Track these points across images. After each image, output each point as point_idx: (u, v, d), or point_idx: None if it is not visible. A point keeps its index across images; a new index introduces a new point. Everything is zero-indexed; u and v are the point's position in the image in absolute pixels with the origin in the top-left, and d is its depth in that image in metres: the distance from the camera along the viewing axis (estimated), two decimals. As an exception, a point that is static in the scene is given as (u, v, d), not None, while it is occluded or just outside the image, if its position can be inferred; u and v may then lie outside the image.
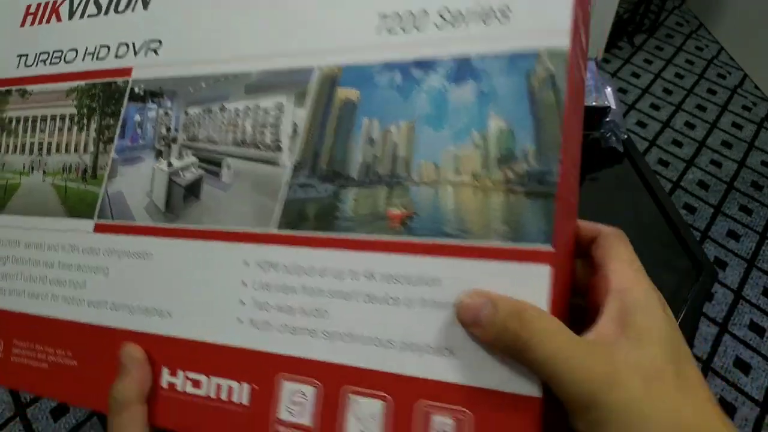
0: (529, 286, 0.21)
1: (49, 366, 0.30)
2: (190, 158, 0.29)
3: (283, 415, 0.24)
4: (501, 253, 0.22)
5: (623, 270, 0.22)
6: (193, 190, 0.28)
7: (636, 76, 1.92)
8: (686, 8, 2.26)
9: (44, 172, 0.33)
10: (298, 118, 0.27)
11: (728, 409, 1.10)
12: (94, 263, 0.30)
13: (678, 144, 1.68)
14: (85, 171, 0.31)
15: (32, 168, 0.33)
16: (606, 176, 0.80)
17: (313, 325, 0.24)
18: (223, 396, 0.25)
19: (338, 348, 0.24)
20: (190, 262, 0.27)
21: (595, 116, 0.78)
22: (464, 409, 0.21)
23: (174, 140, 0.30)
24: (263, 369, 0.25)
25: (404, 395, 0.22)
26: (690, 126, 1.74)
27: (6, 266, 0.32)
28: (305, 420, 0.24)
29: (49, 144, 0.33)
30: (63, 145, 0.33)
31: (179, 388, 0.26)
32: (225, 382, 0.25)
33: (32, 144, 0.34)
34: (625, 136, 0.82)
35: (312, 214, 0.25)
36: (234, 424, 0.25)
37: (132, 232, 0.29)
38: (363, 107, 0.25)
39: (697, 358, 1.18)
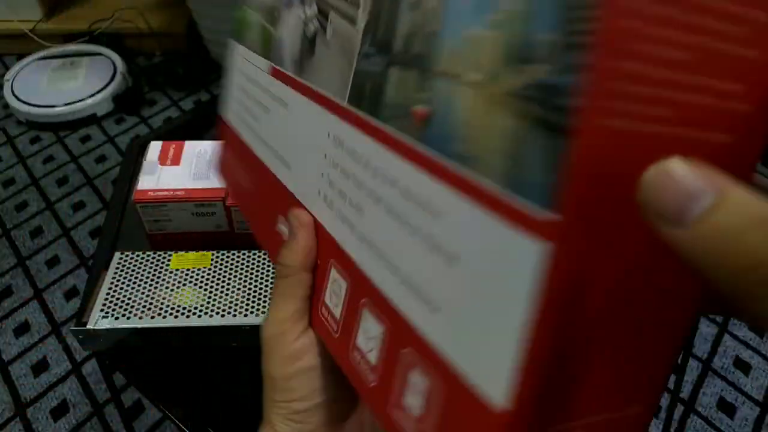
0: (512, 267, 0.14)
1: (245, 185, 0.33)
2: (314, 8, 0.26)
3: (327, 299, 0.23)
4: (495, 202, 0.15)
5: None
6: (312, 43, 0.26)
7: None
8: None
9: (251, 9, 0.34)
10: None
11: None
12: (265, 101, 0.31)
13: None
14: (270, 12, 0.31)
15: (243, 3, 0.35)
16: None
17: (353, 218, 0.22)
18: None
19: (364, 252, 0.21)
20: (302, 120, 0.26)
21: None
22: (439, 381, 0.17)
23: None
24: (326, 247, 0.24)
25: (398, 334, 0.19)
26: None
27: (235, 91, 0.35)
28: (336, 312, 0.23)
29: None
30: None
31: (282, 234, 0.27)
32: None
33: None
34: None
35: (368, 92, 0.21)
36: None
37: (281, 78, 0.29)
38: None
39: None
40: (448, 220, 0.16)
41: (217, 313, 0.56)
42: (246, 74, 0.34)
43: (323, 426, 0.25)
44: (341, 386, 0.25)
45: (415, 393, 0.18)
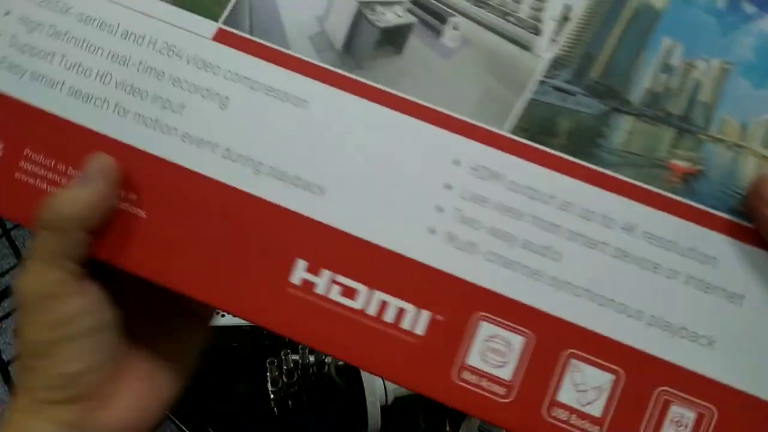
0: None
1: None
2: None
3: (474, 360, 0.20)
4: None
5: None
6: (392, 38, 0.22)
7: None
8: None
9: None
10: (574, 1, 0.21)
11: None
12: (205, 84, 0.21)
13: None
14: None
15: None
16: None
17: (537, 265, 0.20)
18: (388, 317, 0.20)
19: (566, 301, 0.20)
20: (372, 132, 0.21)
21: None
22: (710, 406, 0.19)
23: None
24: (455, 299, 0.20)
25: (643, 376, 0.19)
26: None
27: (46, 40, 0.22)
28: (503, 373, 0.20)
29: None
30: None
31: (319, 290, 0.21)
32: (394, 302, 0.20)
33: None
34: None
35: (564, 130, 0.21)
36: (400, 355, 0.20)
37: (281, 62, 0.21)
38: (667, 23, 0.21)
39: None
40: (729, 264, 0.19)
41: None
42: (91, 19, 0.22)
43: (92, 392, 0.22)
44: (121, 347, 0.23)
45: (675, 426, 0.19)
